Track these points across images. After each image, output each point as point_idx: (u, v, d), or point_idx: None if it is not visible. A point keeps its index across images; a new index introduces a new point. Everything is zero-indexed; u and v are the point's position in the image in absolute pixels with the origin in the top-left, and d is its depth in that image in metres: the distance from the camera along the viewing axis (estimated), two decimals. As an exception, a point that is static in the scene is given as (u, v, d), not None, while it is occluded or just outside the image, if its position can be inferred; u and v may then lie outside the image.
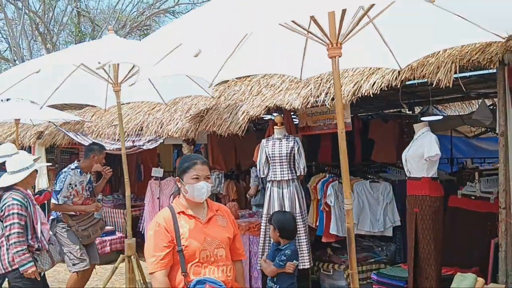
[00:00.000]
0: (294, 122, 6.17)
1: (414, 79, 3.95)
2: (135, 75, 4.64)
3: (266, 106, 5.18)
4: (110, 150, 6.96)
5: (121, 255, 4.93)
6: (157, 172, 7.60)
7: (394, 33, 3.41)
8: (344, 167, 2.76)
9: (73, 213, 5.09)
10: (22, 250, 3.82)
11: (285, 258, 3.98)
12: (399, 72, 4.00)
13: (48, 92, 5.35)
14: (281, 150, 5.07)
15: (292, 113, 6.02)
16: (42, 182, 8.05)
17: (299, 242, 4.86)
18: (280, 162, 5.07)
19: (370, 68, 4.34)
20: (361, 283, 4.97)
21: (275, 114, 5.76)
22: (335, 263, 5.47)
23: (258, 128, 8.01)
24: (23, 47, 18.12)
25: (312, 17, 2.70)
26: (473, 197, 4.91)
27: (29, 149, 8.33)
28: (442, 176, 5.65)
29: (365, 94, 4.20)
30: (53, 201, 4.99)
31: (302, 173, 5.14)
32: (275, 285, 4.09)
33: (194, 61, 3.53)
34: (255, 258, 5.29)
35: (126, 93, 4.98)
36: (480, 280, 3.61)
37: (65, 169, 5.13)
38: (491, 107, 6.46)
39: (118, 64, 4.69)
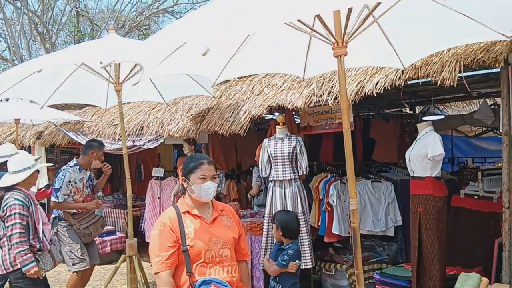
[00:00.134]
0: (296, 122, 6.16)
1: (418, 78, 3.94)
2: (136, 74, 4.64)
3: (268, 106, 5.16)
4: (110, 150, 6.94)
5: (122, 255, 4.91)
6: (157, 172, 7.58)
7: (397, 32, 3.40)
8: (349, 167, 2.74)
9: (74, 211, 5.06)
10: (24, 250, 3.79)
11: (287, 258, 3.96)
12: (402, 71, 3.99)
13: (49, 92, 5.32)
14: (283, 150, 5.05)
15: (293, 113, 6.00)
16: (42, 183, 8.00)
17: (301, 242, 4.85)
18: (282, 162, 5.05)
19: (373, 68, 4.32)
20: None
21: (276, 113, 5.75)
22: (337, 262, 5.46)
23: (259, 128, 8.00)
24: (22, 47, 18.12)
25: (318, 16, 2.68)
26: (476, 197, 4.90)
27: (29, 149, 8.31)
28: (443, 176, 5.64)
29: (369, 93, 4.18)
30: (53, 199, 4.96)
31: (304, 173, 5.13)
32: (278, 285, 4.07)
33: (197, 60, 3.54)
34: (257, 258, 5.27)
35: (126, 93, 4.96)
36: (485, 279, 3.59)
37: (64, 167, 5.10)
38: (492, 106, 6.46)
39: (119, 64, 4.67)
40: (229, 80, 6.23)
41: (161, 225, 2.58)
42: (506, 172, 3.87)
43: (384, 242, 5.96)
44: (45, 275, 4.14)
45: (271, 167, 5.18)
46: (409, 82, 4.23)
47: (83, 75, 5.01)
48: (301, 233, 4.82)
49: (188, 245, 2.53)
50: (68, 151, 9.26)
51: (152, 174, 7.70)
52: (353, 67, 4.44)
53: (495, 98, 6.74)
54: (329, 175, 5.63)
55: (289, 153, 5.03)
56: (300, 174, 5.11)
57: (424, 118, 5.47)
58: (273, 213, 4.82)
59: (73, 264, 4.94)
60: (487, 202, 4.80)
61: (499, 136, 7.99)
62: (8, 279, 3.97)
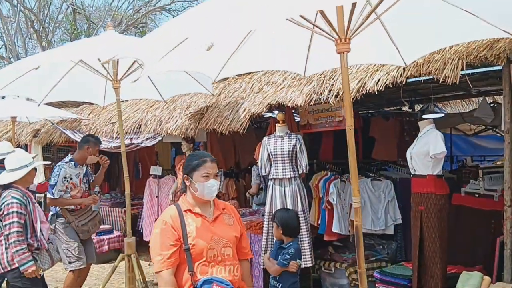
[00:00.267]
0: (296, 120, 6.13)
1: (419, 76, 3.91)
2: (135, 71, 4.60)
3: (268, 104, 5.13)
4: (107, 148, 6.90)
5: (120, 254, 4.88)
6: (155, 170, 7.53)
7: (399, 29, 3.37)
8: (352, 165, 2.71)
9: (72, 207, 5.00)
10: (22, 249, 3.74)
11: (288, 257, 3.93)
12: (404, 69, 3.96)
13: (46, 90, 5.28)
14: (283, 148, 5.02)
15: (293, 111, 5.97)
16: (38, 181, 7.96)
17: (301, 241, 4.82)
18: (282, 160, 5.02)
19: (375, 65, 4.29)
20: (363, 282, 4.94)
21: (276, 111, 5.72)
22: (337, 261, 5.43)
23: (258, 126, 7.96)
24: (18, 44, 18.00)
25: (321, 12, 2.65)
26: (476, 195, 4.89)
27: (25, 147, 8.26)
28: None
29: (370, 91, 4.15)
30: (48, 195, 4.91)
31: (304, 171, 5.10)
32: (278, 284, 4.05)
33: (197, 57, 3.51)
34: (256, 256, 5.24)
35: (124, 90, 4.90)
36: (487, 278, 3.58)
37: (59, 163, 5.03)
38: (492, 105, 6.44)
39: (117, 61, 4.62)
40: (228, 78, 6.19)
41: (162, 224, 2.54)
42: (508, 170, 3.85)
43: (383, 241, 5.93)
44: (43, 274, 4.09)
45: (270, 165, 5.14)
46: (409, 80, 4.20)
47: (80, 73, 4.97)
48: (301, 232, 4.79)
49: (190, 243, 2.50)
50: (65, 149, 9.18)
51: (150, 173, 7.65)
52: (354, 64, 4.41)
53: (495, 96, 6.72)
54: (329, 173, 5.61)
55: (289, 151, 5.00)
56: (300, 173, 5.08)
57: (424, 116, 5.45)
58: (273, 211, 4.79)
59: (70, 263, 4.88)
60: (488, 200, 4.79)
61: (497, 134, 8.00)
62: (6, 279, 3.93)
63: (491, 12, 3.05)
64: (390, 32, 3.37)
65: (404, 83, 4.11)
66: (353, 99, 4.36)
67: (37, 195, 7.06)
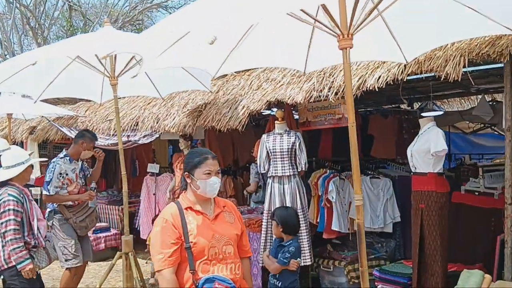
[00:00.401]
0: (294, 117, 6.09)
1: (421, 73, 3.88)
2: (132, 68, 4.56)
3: (267, 101, 5.09)
4: (104, 146, 6.85)
5: (118, 252, 4.84)
6: (153, 168, 7.49)
7: (401, 25, 3.34)
8: (354, 162, 2.68)
9: (70, 203, 4.96)
10: (19, 247, 3.70)
11: (289, 255, 3.90)
12: (405, 65, 3.92)
13: (43, 86, 5.23)
14: (282, 146, 4.99)
15: (292, 108, 5.94)
16: (36, 176, 7.90)
17: (300, 239, 4.79)
18: (281, 158, 4.99)
19: (375, 62, 4.26)
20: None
21: (274, 109, 5.68)
22: (335, 259, 5.41)
23: (256, 124, 7.92)
24: (14, 41, 17.90)
25: (323, 6, 2.61)
26: (476, 193, 4.87)
27: (21, 144, 8.19)
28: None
29: (370, 88, 4.11)
30: (44, 192, 4.86)
31: (303, 169, 5.06)
32: (278, 282, 4.02)
33: (196, 53, 3.47)
34: (255, 254, 5.20)
35: (122, 87, 4.86)
36: (488, 277, 3.56)
37: (54, 159, 4.98)
38: (490, 103, 6.42)
39: (115, 57, 4.58)
40: (226, 75, 6.15)
41: (163, 222, 2.50)
42: (509, 168, 3.83)
43: (382, 239, 5.91)
44: (39, 272, 4.05)
45: (269, 163, 5.11)
46: (409, 77, 4.17)
47: (77, 69, 4.92)
48: (300, 230, 4.76)
49: (191, 242, 2.46)
50: (61, 147, 9.08)
51: (148, 170, 7.61)
52: (354, 61, 4.37)
53: (494, 94, 6.71)
54: (328, 171, 5.57)
55: (288, 148, 4.97)
56: (299, 170, 5.04)
57: (423, 114, 5.43)
58: (272, 209, 4.76)
59: (66, 260, 4.84)
60: (488, 198, 4.77)
61: (495, 132, 7.99)
62: (2, 277, 3.88)
63: (493, 9, 3.02)
64: (391, 29, 3.34)
65: (405, 80, 4.08)
66: (353, 96, 4.32)
67: (33, 192, 7.01)
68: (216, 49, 3.36)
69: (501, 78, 4.90)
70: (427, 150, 4.20)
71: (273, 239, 4.42)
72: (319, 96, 4.64)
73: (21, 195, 3.85)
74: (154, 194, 7.50)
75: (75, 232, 4.92)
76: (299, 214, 4.78)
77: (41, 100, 5.71)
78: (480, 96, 6.51)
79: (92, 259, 5.52)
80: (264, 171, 5.23)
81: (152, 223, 6.44)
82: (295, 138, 4.99)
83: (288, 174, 4.98)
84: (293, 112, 6.10)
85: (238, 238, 2.69)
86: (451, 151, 8.34)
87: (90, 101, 7.67)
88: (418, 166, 4.34)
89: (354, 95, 4.27)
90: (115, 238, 7.58)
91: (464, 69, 3.72)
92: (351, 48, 2.68)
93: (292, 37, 3.53)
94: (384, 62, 4.17)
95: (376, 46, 3.59)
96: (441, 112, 6.52)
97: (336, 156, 6.42)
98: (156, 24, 3.27)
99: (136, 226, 7.75)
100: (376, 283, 4.83)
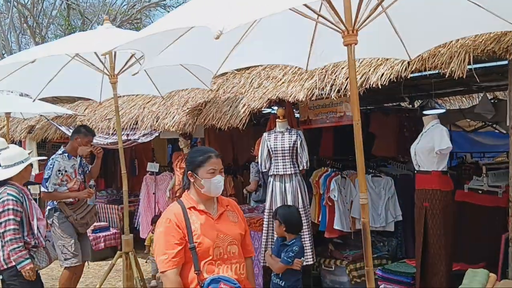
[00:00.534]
0: (295, 116, 6.05)
1: (424, 70, 3.84)
2: (132, 66, 4.51)
3: (268, 99, 5.04)
4: (104, 145, 6.79)
5: (118, 252, 4.80)
6: (152, 167, 7.45)
7: (404, 22, 3.30)
8: (360, 161, 2.65)
9: (71, 200, 4.91)
10: (18, 247, 3.65)
11: (293, 254, 3.86)
12: (408, 63, 3.88)
13: (41, 85, 5.17)
14: (284, 144, 4.95)
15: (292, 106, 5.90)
16: (35, 173, 7.85)
17: (302, 238, 4.75)
18: (282, 156, 4.95)
19: (378, 59, 4.21)
20: (363, 279, 4.89)
21: (275, 107, 5.64)
22: (337, 258, 5.38)
23: (256, 123, 7.88)
24: (11, 40, 17.82)
25: (328, 1, 2.57)
26: (480, 191, 4.83)
27: (19, 143, 8.14)
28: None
29: (373, 86, 4.07)
30: (42, 189, 4.82)
31: (305, 167, 5.03)
32: (281, 281, 3.97)
33: (198, 50, 3.43)
34: (256, 254, 5.16)
35: (121, 86, 4.80)
36: (493, 276, 3.51)
37: (53, 156, 4.95)
38: (492, 101, 6.40)
39: (115, 55, 4.53)
40: (226, 73, 6.10)
41: (166, 222, 2.45)
42: (512, 167, 3.79)
43: (384, 238, 5.88)
44: (39, 272, 4.00)
45: (271, 161, 5.07)
46: (412, 75, 4.12)
47: (76, 67, 4.87)
48: (302, 229, 4.72)
49: (196, 242, 2.41)
50: (60, 146, 9.06)
51: (147, 169, 7.57)
52: (357, 58, 4.32)
53: (495, 92, 6.68)
54: (329, 169, 5.53)
55: (289, 147, 4.93)
56: (300, 169, 5.00)
57: (424, 112, 5.40)
58: (273, 208, 4.72)
59: (65, 259, 4.80)
60: (492, 197, 4.73)
61: (496, 131, 7.97)
62: (2, 277, 3.83)
63: (498, 5, 2.99)
64: (395, 25, 3.30)
65: (408, 77, 4.03)
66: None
67: (32, 191, 6.95)
68: (217, 46, 3.32)
69: (503, 75, 4.87)
70: (431, 148, 4.16)
71: (275, 238, 4.38)
72: (321, 94, 4.59)
73: (21, 195, 3.80)
74: (153, 193, 7.46)
75: (75, 230, 4.88)
76: (301, 212, 4.74)
77: (39, 99, 5.65)
78: (481, 94, 6.49)
79: (90, 259, 5.48)
80: (265, 170, 5.19)
81: (152, 222, 6.40)
82: (297, 136, 4.96)
83: (290, 172, 4.94)
84: (294, 110, 6.06)
85: (242, 238, 2.64)
86: (452, 149, 8.33)
87: (89, 99, 7.62)
88: (422, 164, 4.29)
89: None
90: (115, 237, 7.54)
91: (469, 66, 3.68)
92: (356, 44, 2.64)
93: (294, 34, 3.48)
94: (387, 59, 4.13)
95: (380, 43, 3.54)
96: (442, 110, 6.50)
97: (337, 155, 6.39)
98: (157, 21, 3.23)
99: (135, 226, 7.70)
100: (379, 283, 4.79)
